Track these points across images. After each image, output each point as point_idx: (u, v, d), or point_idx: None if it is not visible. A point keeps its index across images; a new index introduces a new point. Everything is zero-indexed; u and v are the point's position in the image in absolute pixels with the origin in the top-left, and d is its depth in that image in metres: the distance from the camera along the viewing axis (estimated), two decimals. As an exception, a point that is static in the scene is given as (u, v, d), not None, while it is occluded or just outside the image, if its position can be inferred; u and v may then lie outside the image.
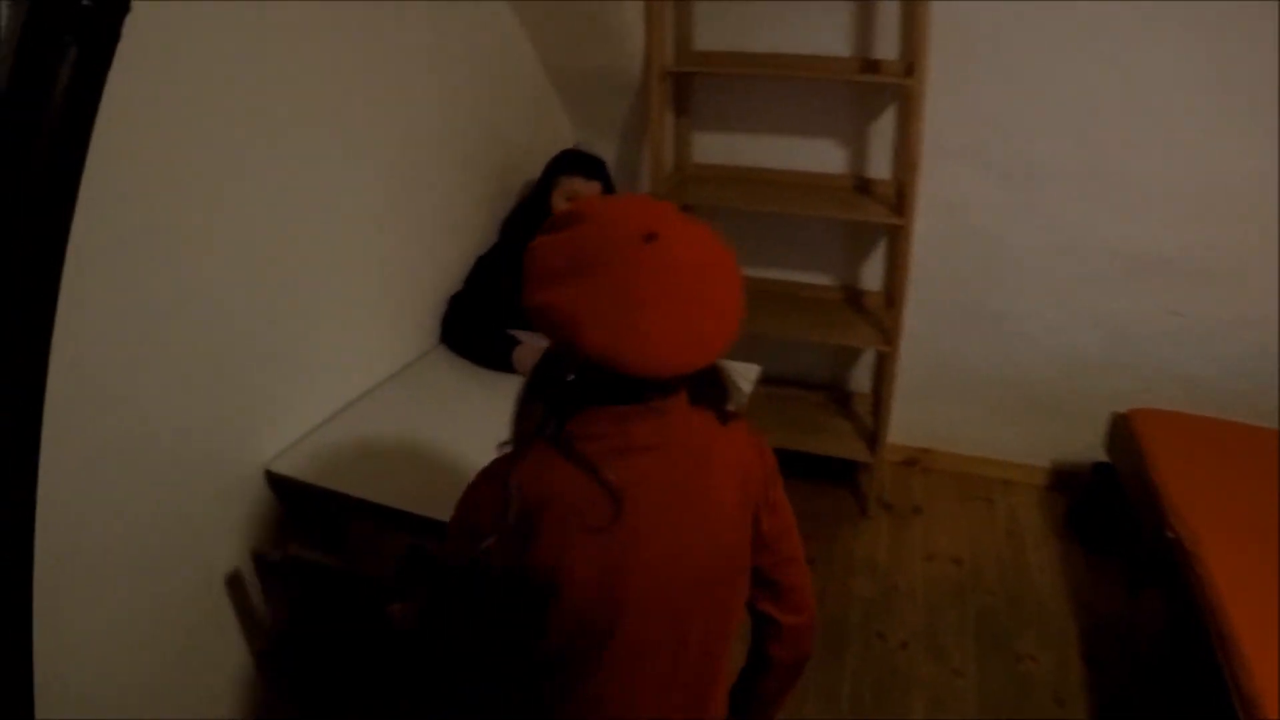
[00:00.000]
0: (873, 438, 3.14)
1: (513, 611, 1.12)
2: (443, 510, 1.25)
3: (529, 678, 1.18)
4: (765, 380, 3.56)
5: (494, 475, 1.12)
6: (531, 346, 2.39)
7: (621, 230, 1.01)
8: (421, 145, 2.49)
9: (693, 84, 3.21)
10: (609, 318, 0.98)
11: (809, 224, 3.23)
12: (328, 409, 2.25)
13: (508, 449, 1.14)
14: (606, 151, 3.31)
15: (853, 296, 3.32)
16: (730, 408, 1.18)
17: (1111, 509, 2.85)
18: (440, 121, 2.55)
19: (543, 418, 1.11)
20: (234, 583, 2.03)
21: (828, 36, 2.89)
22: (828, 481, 3.37)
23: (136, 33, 1.30)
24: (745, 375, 2.37)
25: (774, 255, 3.41)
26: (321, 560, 2.01)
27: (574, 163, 2.62)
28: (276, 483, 2.07)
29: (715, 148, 3.32)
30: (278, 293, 2.03)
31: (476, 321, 2.55)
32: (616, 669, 1.12)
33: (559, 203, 2.60)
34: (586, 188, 2.57)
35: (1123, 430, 2.84)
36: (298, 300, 2.11)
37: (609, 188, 2.65)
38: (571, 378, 1.10)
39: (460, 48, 2.59)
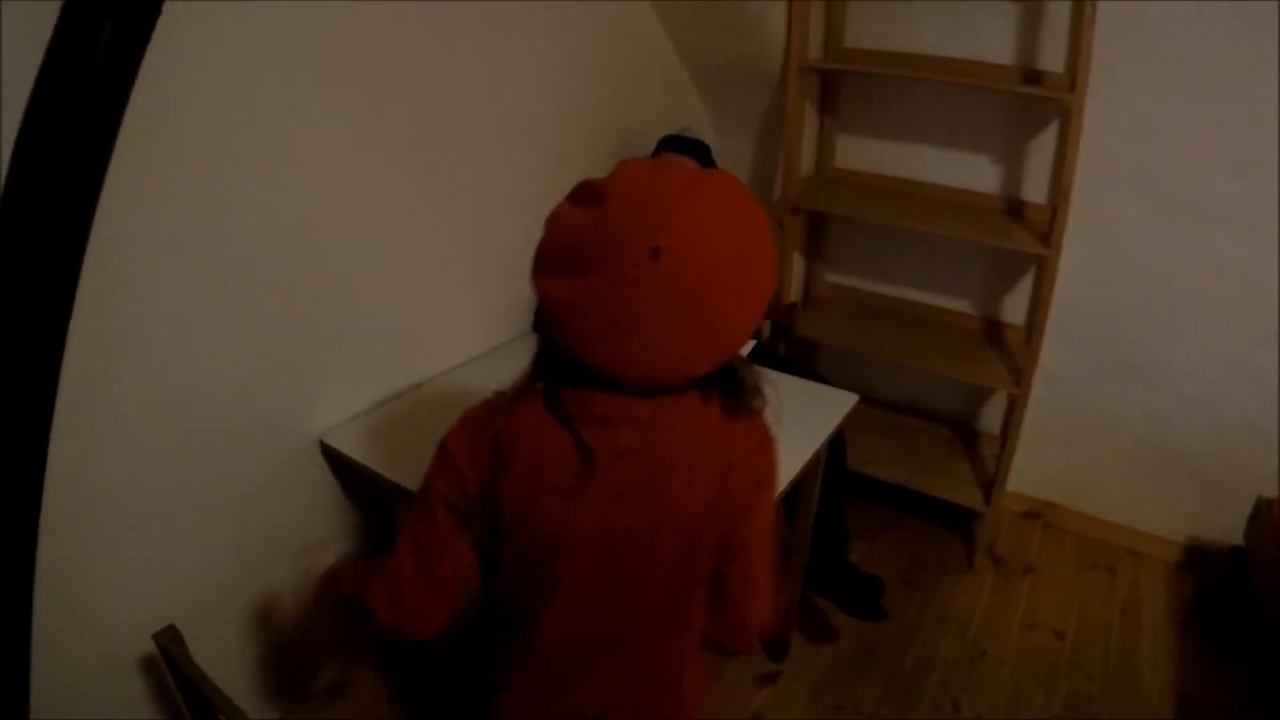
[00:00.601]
0: (990, 485, 2.86)
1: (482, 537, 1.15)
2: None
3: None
4: (889, 407, 3.36)
5: (479, 419, 1.13)
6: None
7: (630, 238, 0.94)
8: (532, 130, 2.44)
9: (841, 83, 3.02)
10: (594, 331, 0.97)
11: (952, 244, 2.97)
12: (395, 386, 2.23)
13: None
14: (743, 148, 3.17)
15: (992, 329, 3.04)
16: (751, 404, 1.12)
17: (1244, 602, 2.47)
18: (555, 107, 2.49)
19: (544, 379, 1.09)
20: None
21: (990, 40, 2.64)
22: (941, 524, 3.10)
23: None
24: (841, 402, 2.19)
25: (912, 274, 3.18)
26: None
27: (669, 147, 2.49)
28: (329, 455, 2.07)
29: (859, 153, 3.11)
30: (352, 265, 2.03)
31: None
32: (556, 638, 1.16)
33: None
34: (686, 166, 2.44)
35: (1262, 517, 2.45)
36: (374, 275, 2.10)
37: None
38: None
39: (582, 27, 2.51)
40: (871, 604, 2.51)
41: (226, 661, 2.00)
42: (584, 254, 0.97)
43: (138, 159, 1.50)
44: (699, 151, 2.48)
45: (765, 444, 1.16)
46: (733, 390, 1.10)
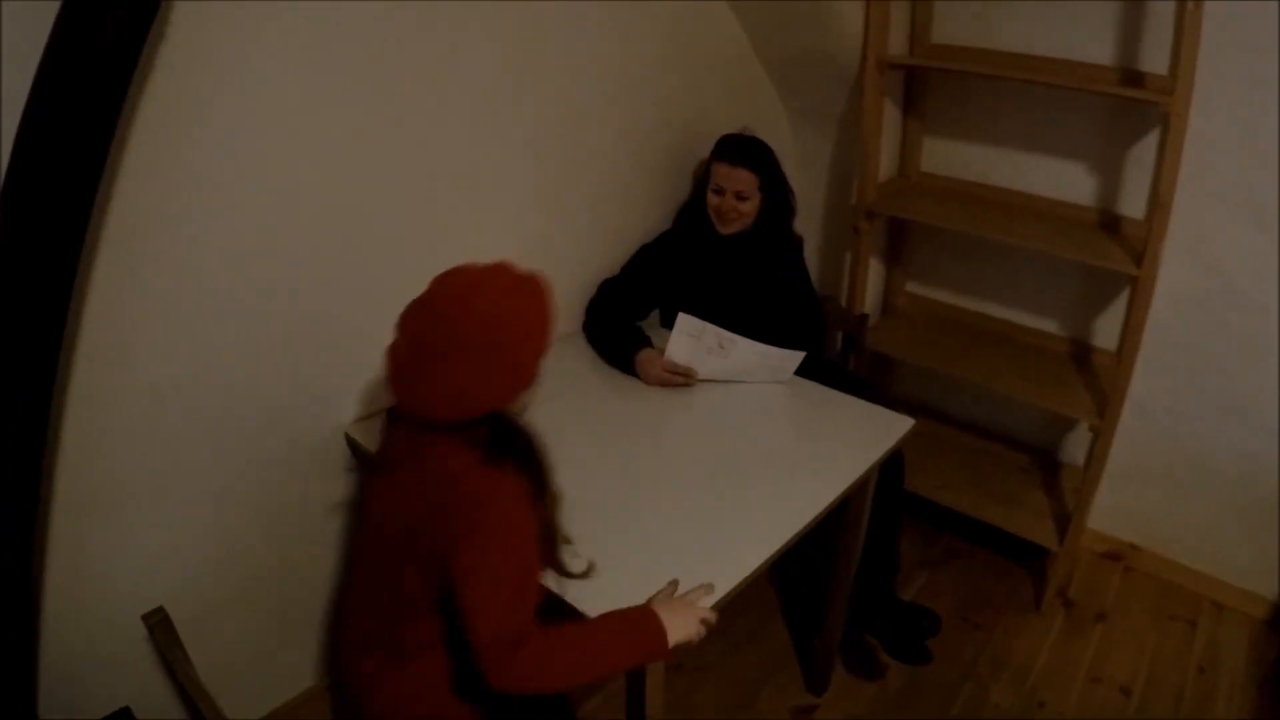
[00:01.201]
0: (1066, 523, 2.64)
1: None
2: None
3: None
4: (967, 429, 3.15)
5: None
6: (655, 353, 2.18)
7: (415, 307, 1.34)
8: (592, 125, 2.34)
9: (927, 82, 2.83)
10: (391, 375, 1.33)
11: (1042, 259, 2.75)
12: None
13: None
14: (821, 149, 3.00)
15: (1080, 352, 2.81)
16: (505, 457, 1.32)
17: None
18: (611, 102, 2.37)
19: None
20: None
21: (1089, 38, 2.43)
22: (1012, 559, 2.89)
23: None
24: (895, 426, 2.03)
25: (998, 289, 2.97)
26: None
27: (723, 149, 2.36)
28: (354, 447, 2.02)
29: (947, 156, 2.92)
30: (393, 259, 1.98)
31: (616, 311, 2.37)
32: (353, 580, 1.53)
33: (710, 196, 2.36)
34: (732, 175, 2.31)
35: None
36: (416, 272, 2.00)
37: (769, 177, 2.36)
38: None
39: (650, 18, 2.38)
40: (917, 644, 2.32)
41: (234, 643, 2.00)
42: (400, 320, 1.33)
43: (169, 137, 1.51)
44: (757, 151, 2.35)
45: (490, 491, 1.27)
46: (495, 441, 1.31)
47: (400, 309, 1.91)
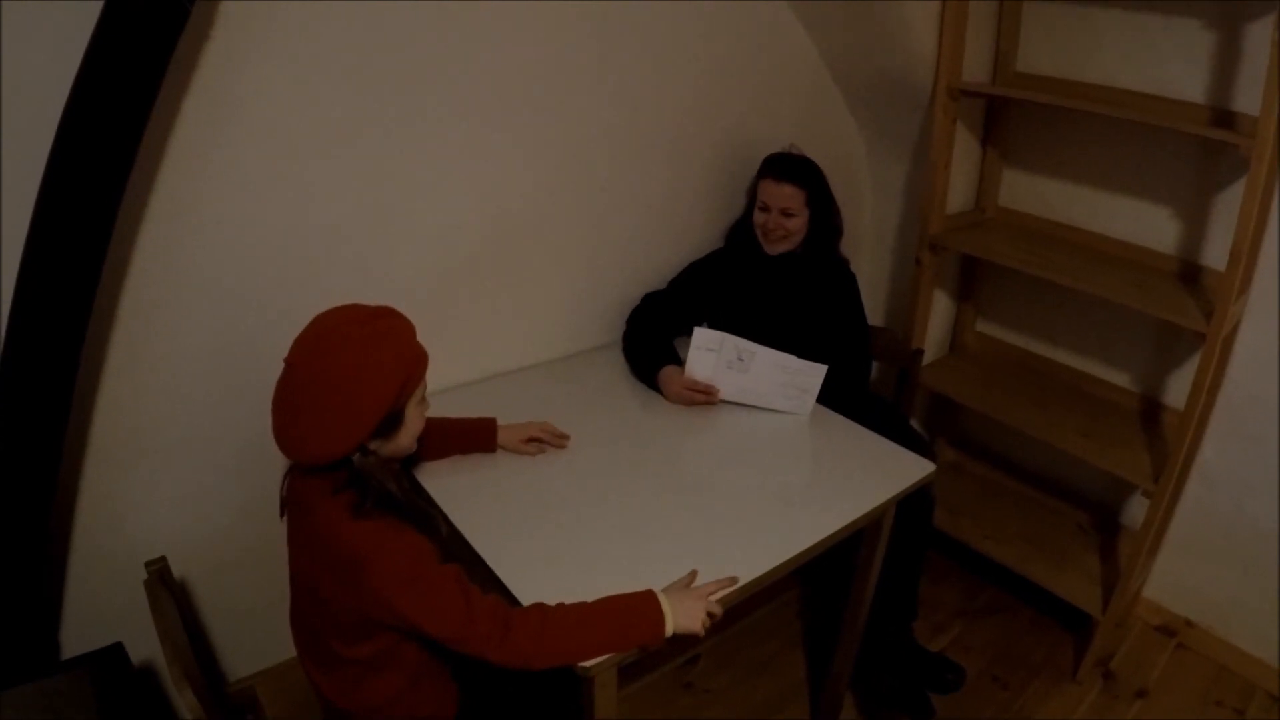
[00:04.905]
0: (1113, 589, 2.46)
1: None
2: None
3: None
4: (1027, 479, 2.99)
5: None
6: (677, 370, 2.14)
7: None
8: (650, 133, 2.33)
9: (1009, 112, 2.70)
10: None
11: (1118, 307, 2.58)
12: (459, 377, 2.20)
13: None
14: (895, 176, 2.90)
15: (1150, 410, 2.62)
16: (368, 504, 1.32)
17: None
18: (669, 110, 2.35)
19: None
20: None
21: (1180, 72, 2.27)
22: (1059, 621, 2.72)
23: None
24: (915, 468, 1.94)
25: (1071, 334, 2.81)
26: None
27: (770, 166, 2.30)
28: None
29: (1027, 191, 2.79)
30: (434, 242, 2.03)
31: (651, 325, 2.34)
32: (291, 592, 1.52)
33: (755, 214, 2.31)
34: (778, 192, 2.25)
35: None
36: (459, 258, 2.09)
37: (816, 193, 2.29)
38: None
39: (714, 30, 2.34)
40: (920, 696, 2.19)
41: (236, 599, 2.06)
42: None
43: (211, 118, 1.60)
44: (805, 167, 2.28)
45: (365, 546, 1.28)
46: (356, 488, 1.32)
47: (429, 302, 1.99)
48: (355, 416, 1.29)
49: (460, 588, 1.31)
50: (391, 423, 1.36)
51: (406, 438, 1.42)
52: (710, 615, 1.41)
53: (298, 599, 1.50)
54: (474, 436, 1.87)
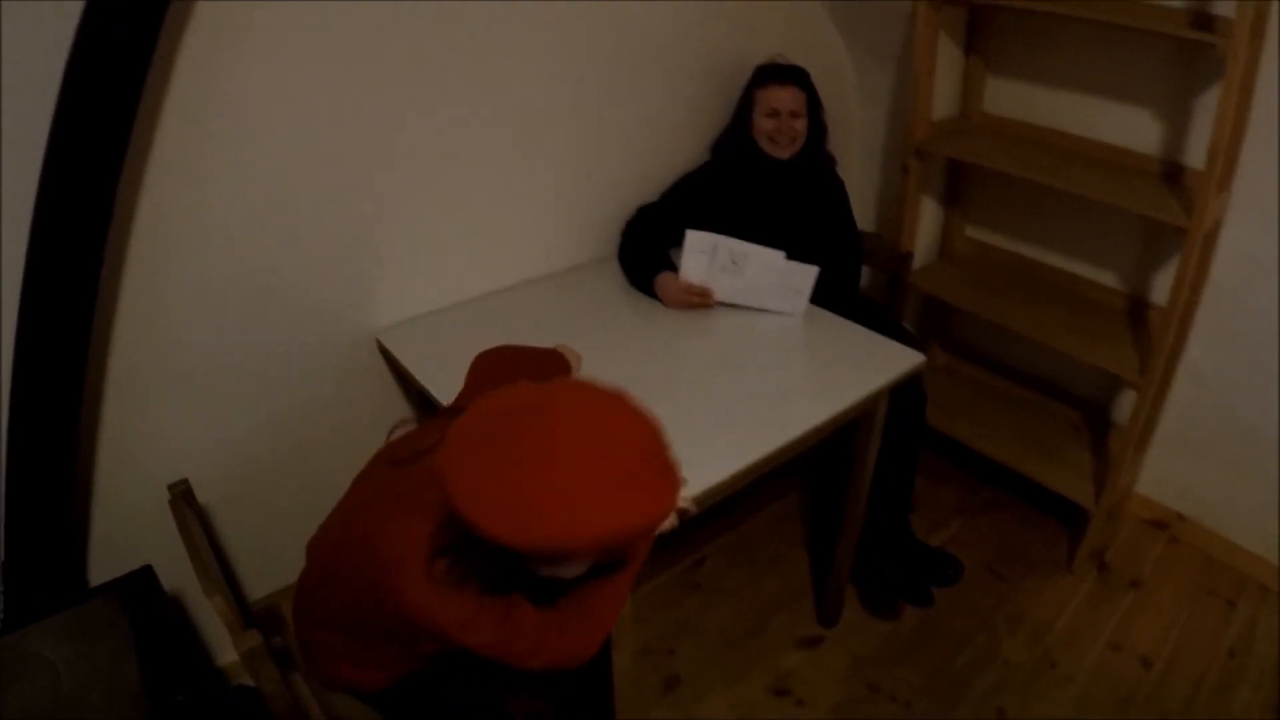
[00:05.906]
0: (1102, 481, 2.56)
1: None
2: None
3: None
4: (1021, 380, 3.07)
5: None
6: (674, 275, 2.20)
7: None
8: (637, 46, 2.36)
9: (991, 19, 2.73)
10: None
11: (1103, 208, 2.64)
12: (463, 293, 2.26)
13: None
14: (881, 86, 2.94)
15: (1137, 307, 2.69)
16: None
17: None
18: (655, 29, 2.37)
19: None
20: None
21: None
22: (1055, 517, 2.82)
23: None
24: (903, 359, 2.01)
25: (1058, 237, 2.87)
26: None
27: (768, 73, 2.35)
28: (384, 351, 2.12)
29: (1010, 98, 2.82)
30: (430, 165, 2.07)
31: (647, 235, 2.39)
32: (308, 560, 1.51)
33: (761, 121, 2.35)
34: (785, 95, 2.32)
35: None
36: (453, 179, 2.13)
37: (813, 96, 2.36)
38: None
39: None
40: (920, 586, 2.29)
41: (254, 519, 2.15)
42: None
43: (210, 65, 1.64)
44: (801, 71, 2.36)
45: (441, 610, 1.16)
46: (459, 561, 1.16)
47: (430, 221, 2.08)
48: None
49: (511, 630, 1.22)
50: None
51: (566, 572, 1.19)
52: (683, 513, 1.36)
53: (315, 568, 1.45)
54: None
